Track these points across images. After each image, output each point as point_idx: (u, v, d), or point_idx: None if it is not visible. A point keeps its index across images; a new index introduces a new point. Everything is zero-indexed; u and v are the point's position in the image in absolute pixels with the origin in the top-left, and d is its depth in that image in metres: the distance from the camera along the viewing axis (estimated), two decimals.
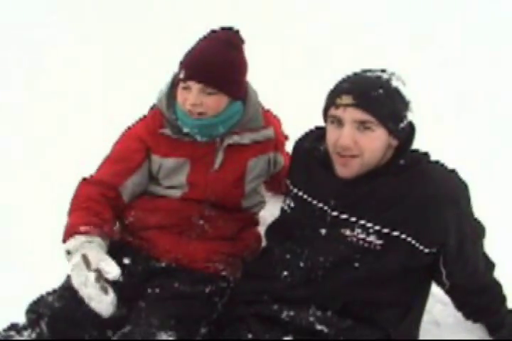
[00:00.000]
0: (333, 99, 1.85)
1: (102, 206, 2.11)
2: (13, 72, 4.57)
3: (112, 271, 1.83)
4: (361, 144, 1.82)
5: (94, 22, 5.47)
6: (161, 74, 2.37)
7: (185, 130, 2.12)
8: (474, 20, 5.49)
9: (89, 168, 2.25)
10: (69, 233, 1.98)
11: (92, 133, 3.50)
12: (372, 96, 1.79)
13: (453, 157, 2.13)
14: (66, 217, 2.09)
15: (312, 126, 2.19)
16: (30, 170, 3.24)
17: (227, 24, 2.16)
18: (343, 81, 1.89)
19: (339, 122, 1.84)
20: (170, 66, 2.20)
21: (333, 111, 1.85)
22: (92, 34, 5.19)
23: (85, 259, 1.85)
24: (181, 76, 2.04)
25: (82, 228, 1.96)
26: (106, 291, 1.80)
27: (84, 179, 2.20)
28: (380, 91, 1.80)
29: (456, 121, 3.83)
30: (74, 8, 5.76)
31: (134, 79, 4.21)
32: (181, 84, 2.07)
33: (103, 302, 1.80)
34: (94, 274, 1.81)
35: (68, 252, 1.91)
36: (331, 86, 1.90)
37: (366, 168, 1.87)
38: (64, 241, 1.97)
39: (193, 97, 2.04)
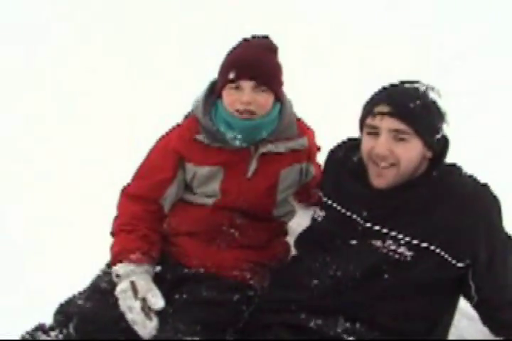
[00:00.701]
0: (370, 108, 1.87)
1: (148, 224, 2.17)
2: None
3: (158, 302, 1.98)
4: (397, 153, 1.83)
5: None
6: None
7: (229, 135, 2.13)
8: None
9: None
10: (119, 257, 2.08)
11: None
12: (410, 107, 1.81)
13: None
14: (111, 235, 2.18)
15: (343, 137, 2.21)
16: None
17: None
18: (381, 91, 1.91)
19: (375, 131, 1.86)
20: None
21: (369, 121, 1.87)
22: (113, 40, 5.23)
23: (133, 287, 1.98)
24: (231, 76, 2.07)
25: (133, 256, 2.06)
26: (150, 318, 1.95)
27: (123, 191, 2.25)
28: (418, 102, 1.82)
29: None
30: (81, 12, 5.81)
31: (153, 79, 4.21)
32: (230, 85, 2.10)
33: (147, 327, 1.94)
34: (140, 303, 1.96)
35: (117, 276, 2.03)
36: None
37: (401, 178, 1.89)
38: (113, 263, 2.08)
39: (246, 95, 2.07)
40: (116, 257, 2.08)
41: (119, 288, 2.01)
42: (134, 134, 2.27)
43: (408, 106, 1.82)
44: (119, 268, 2.04)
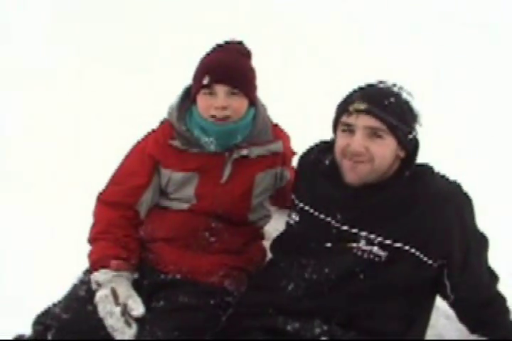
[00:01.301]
0: (345, 106, 1.89)
1: (126, 231, 2.17)
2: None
3: (138, 308, 1.97)
4: (372, 150, 1.85)
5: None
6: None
7: (203, 140, 2.14)
8: None
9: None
10: (98, 264, 2.07)
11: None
12: (385, 104, 1.84)
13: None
14: (88, 242, 2.17)
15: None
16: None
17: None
18: (356, 91, 1.94)
19: (350, 129, 1.88)
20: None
21: (345, 119, 1.89)
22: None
23: (114, 293, 1.98)
24: (205, 82, 2.07)
25: (113, 263, 2.05)
26: (130, 325, 1.94)
27: (99, 198, 2.24)
28: (392, 100, 1.85)
29: None
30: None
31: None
32: (204, 90, 2.10)
33: (125, 334, 1.93)
34: (120, 309, 1.95)
35: (97, 283, 2.03)
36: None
37: (374, 175, 1.90)
38: (92, 271, 2.07)
39: (221, 100, 2.07)
40: (96, 264, 2.07)
41: (99, 295, 2.00)
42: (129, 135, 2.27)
43: (383, 104, 1.84)
44: (99, 276, 2.04)
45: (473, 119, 4.15)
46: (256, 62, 2.21)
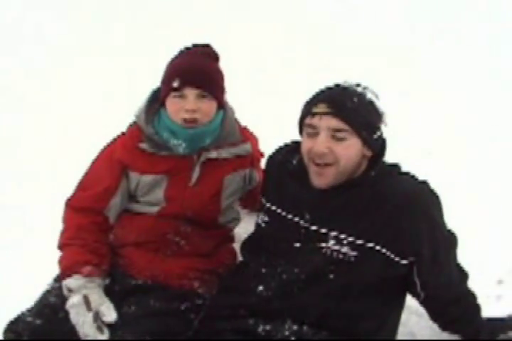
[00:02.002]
0: (309, 108, 1.90)
1: (96, 237, 2.16)
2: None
3: (111, 315, 1.98)
4: (336, 152, 1.86)
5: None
6: None
7: (172, 142, 2.13)
8: None
9: None
10: (69, 271, 2.06)
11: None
12: (348, 105, 1.85)
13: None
14: (58, 248, 2.15)
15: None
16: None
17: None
18: (320, 92, 1.95)
19: (314, 131, 1.88)
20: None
21: (308, 120, 1.90)
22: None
23: (86, 300, 1.99)
24: (175, 85, 2.06)
25: (84, 269, 2.04)
26: (102, 331, 1.95)
27: (67, 204, 2.22)
28: (355, 100, 1.86)
29: None
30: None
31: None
32: (174, 94, 2.09)
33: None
34: (93, 316, 1.96)
35: (69, 290, 2.02)
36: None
37: (341, 177, 1.91)
38: (63, 277, 2.06)
39: (191, 103, 2.07)
40: (67, 271, 2.06)
41: (70, 302, 1.99)
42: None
43: (346, 105, 1.85)
44: (71, 282, 2.02)
45: (447, 118, 4.20)
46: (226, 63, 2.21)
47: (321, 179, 1.91)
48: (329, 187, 1.92)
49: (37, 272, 2.23)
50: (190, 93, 2.07)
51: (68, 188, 2.25)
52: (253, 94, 3.66)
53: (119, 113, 2.83)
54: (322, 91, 1.95)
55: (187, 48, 2.20)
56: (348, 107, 1.85)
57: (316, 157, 1.88)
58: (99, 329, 1.94)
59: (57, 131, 3.70)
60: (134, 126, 2.24)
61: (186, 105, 2.07)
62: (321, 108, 1.86)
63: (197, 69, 2.10)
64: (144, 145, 2.17)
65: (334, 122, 1.85)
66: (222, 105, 2.19)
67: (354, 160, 1.90)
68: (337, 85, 1.96)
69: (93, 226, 2.17)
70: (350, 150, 1.87)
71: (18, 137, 3.66)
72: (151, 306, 2.05)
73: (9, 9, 5.49)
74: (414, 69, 4.87)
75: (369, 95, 1.92)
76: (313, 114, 1.88)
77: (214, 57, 2.19)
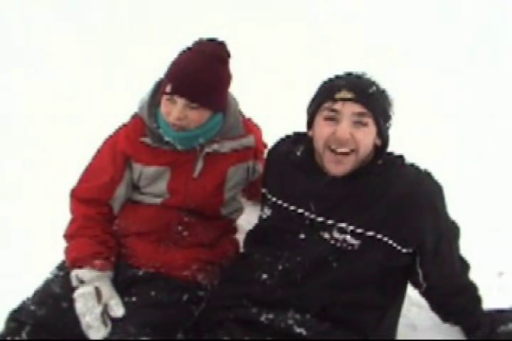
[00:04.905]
0: (330, 94, 1.89)
1: (104, 227, 2.19)
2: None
3: (119, 310, 2.00)
4: (357, 138, 1.85)
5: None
6: None
7: (167, 139, 2.13)
8: None
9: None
10: (79, 262, 2.07)
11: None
12: (370, 92, 1.86)
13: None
14: (65, 238, 2.17)
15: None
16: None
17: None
18: (338, 78, 1.94)
19: (335, 116, 1.87)
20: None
21: (330, 105, 1.88)
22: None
23: (98, 292, 2.01)
24: (167, 90, 2.04)
25: (97, 262, 2.07)
26: (106, 324, 1.97)
27: (73, 195, 2.23)
28: (374, 88, 1.88)
29: None
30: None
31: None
32: (166, 96, 2.07)
33: (100, 333, 1.95)
34: (101, 308, 1.98)
35: (81, 281, 2.04)
36: None
37: (357, 165, 1.91)
38: (73, 267, 2.07)
39: (177, 111, 2.04)
40: (77, 262, 2.07)
41: (80, 291, 2.00)
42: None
43: (368, 92, 1.86)
44: (84, 273, 2.04)
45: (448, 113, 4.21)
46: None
47: (339, 167, 1.89)
48: (344, 175, 1.91)
49: (40, 259, 2.22)
50: (180, 101, 2.04)
51: (68, 185, 2.26)
52: (256, 89, 3.66)
53: (119, 104, 2.82)
54: (340, 77, 1.95)
55: (197, 43, 2.14)
56: (370, 93, 1.86)
57: (336, 143, 1.87)
58: (104, 322, 1.96)
59: (57, 130, 3.68)
60: (137, 118, 2.24)
61: (174, 111, 2.05)
62: (345, 94, 1.86)
63: (191, 79, 2.03)
64: (146, 140, 2.18)
65: (358, 108, 1.85)
66: (219, 110, 2.15)
67: (370, 147, 1.91)
68: (351, 73, 1.96)
69: (100, 216, 2.19)
70: (369, 137, 1.88)
71: (18, 137, 3.65)
72: (153, 297, 2.06)
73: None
74: (415, 69, 4.87)
75: (380, 85, 1.93)
76: (336, 100, 1.87)
77: (221, 57, 2.12)
